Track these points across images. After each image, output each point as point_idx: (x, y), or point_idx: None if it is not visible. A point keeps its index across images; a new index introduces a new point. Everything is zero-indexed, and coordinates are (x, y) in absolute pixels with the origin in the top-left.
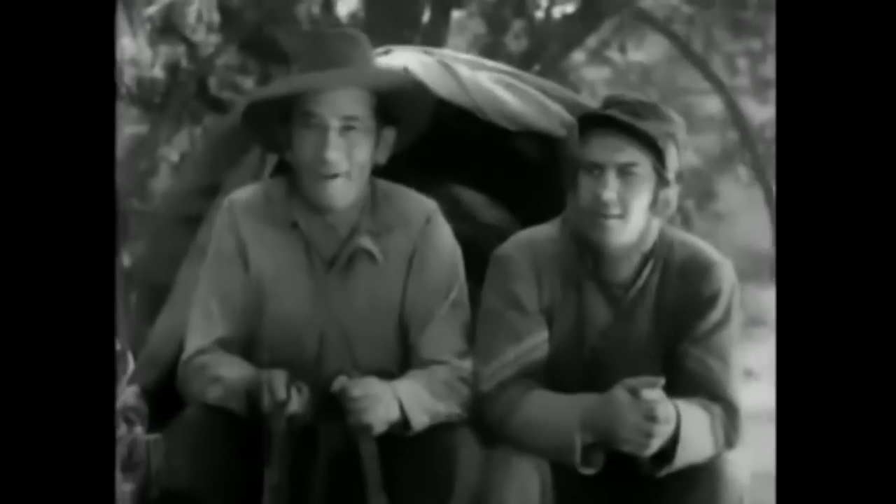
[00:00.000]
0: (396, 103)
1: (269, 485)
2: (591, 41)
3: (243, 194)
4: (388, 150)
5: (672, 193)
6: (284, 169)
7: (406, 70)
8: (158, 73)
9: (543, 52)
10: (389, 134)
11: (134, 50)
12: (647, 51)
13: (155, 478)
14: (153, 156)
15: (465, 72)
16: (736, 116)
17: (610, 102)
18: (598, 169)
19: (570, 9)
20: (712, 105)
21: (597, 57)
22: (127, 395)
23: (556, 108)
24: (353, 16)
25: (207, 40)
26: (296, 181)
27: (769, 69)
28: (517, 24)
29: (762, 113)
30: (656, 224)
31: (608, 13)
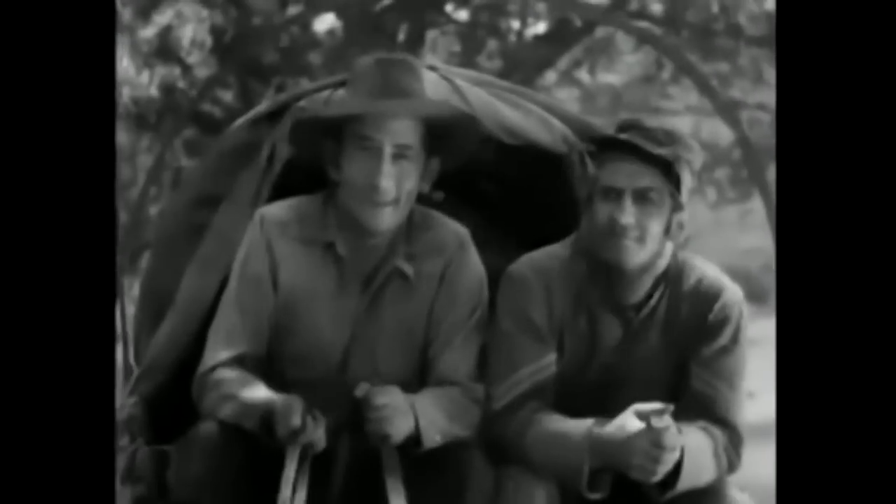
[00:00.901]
0: (445, 134)
1: None
2: (563, 63)
3: (276, 210)
4: (431, 179)
5: (685, 217)
6: (288, 182)
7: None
8: (154, 92)
9: (516, 73)
10: (434, 163)
11: (132, 70)
12: (617, 73)
13: (164, 490)
14: (132, 165)
15: (467, 86)
16: (738, 133)
17: (626, 126)
18: (614, 193)
19: (541, 29)
20: (682, 125)
21: (567, 78)
22: (128, 405)
23: (559, 125)
24: (330, 32)
25: (202, 62)
26: (332, 200)
27: (737, 91)
28: (491, 44)
29: (730, 134)
30: (669, 247)
31: (581, 34)
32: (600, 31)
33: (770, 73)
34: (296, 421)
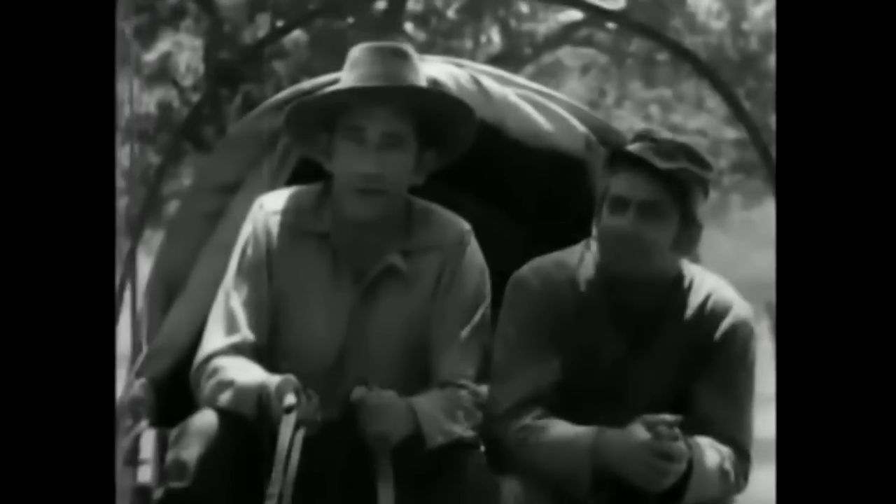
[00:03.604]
0: (440, 125)
1: (270, 494)
2: None
3: (275, 199)
4: (427, 170)
5: (696, 232)
6: (304, 172)
7: (436, 82)
8: (153, 110)
9: None
10: (430, 155)
11: (135, 89)
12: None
13: (162, 477)
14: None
15: (493, 86)
16: (763, 154)
17: (640, 137)
18: (621, 203)
19: (494, 51)
20: None
21: None
22: (135, 387)
23: (582, 129)
24: (296, 45)
25: (194, 85)
26: (329, 191)
27: (678, 116)
28: None
29: None
30: (678, 261)
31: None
32: (548, 57)
33: (712, 101)
34: (290, 398)
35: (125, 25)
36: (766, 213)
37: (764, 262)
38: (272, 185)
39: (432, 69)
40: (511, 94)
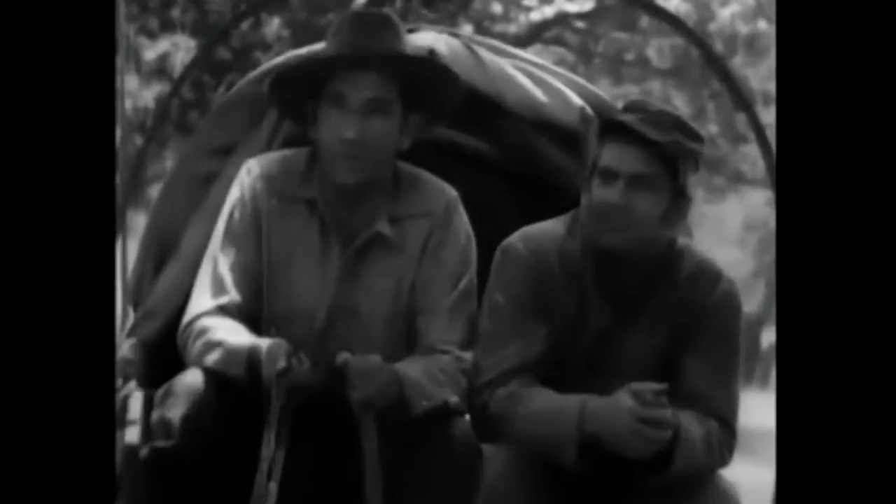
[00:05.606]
0: (425, 90)
1: (264, 456)
2: None
3: (263, 163)
4: (412, 136)
5: (685, 205)
6: (299, 137)
7: (432, 51)
8: (150, 103)
9: None
10: (415, 120)
11: (134, 85)
12: None
13: (149, 436)
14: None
15: (489, 57)
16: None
17: (630, 108)
18: (610, 175)
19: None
20: None
21: None
22: (124, 348)
23: (579, 102)
24: (279, 37)
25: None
26: (317, 156)
27: None
28: None
29: None
30: (666, 234)
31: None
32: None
33: (678, 100)
34: (281, 362)
35: (129, 27)
36: (728, 209)
37: (727, 257)
38: (267, 149)
39: (428, 38)
40: (507, 65)
